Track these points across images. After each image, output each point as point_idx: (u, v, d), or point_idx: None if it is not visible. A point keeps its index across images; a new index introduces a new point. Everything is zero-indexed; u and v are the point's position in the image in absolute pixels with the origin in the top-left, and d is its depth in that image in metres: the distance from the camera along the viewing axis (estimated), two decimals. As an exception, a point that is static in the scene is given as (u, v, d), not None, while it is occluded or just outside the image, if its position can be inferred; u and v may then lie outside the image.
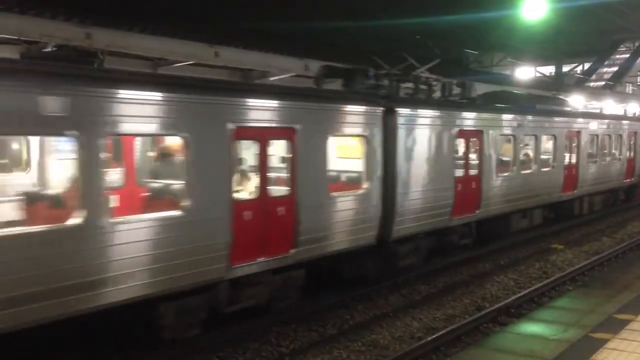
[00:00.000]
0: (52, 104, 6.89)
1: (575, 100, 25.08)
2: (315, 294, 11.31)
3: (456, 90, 15.01)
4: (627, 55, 34.68)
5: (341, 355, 9.26)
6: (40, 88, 6.83)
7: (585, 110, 25.61)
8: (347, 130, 11.20)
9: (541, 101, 19.20)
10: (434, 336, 9.67)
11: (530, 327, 9.50)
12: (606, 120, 22.85)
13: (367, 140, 11.33)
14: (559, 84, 30.25)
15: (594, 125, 21.30)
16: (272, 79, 15.78)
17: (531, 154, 17.64)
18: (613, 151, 23.07)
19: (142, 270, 7.82)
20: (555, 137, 18.35)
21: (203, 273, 8.53)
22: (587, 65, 35.51)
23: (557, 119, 18.70)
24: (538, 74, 36.12)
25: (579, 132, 19.94)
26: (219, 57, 13.59)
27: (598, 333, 8.62)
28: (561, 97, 23.22)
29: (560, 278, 13.60)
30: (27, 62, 7.91)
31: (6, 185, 9.70)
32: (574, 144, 19.74)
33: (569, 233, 19.46)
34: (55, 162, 10.09)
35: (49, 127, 7.05)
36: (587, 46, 31.86)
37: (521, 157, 16.87)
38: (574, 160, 19.66)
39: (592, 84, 35.66)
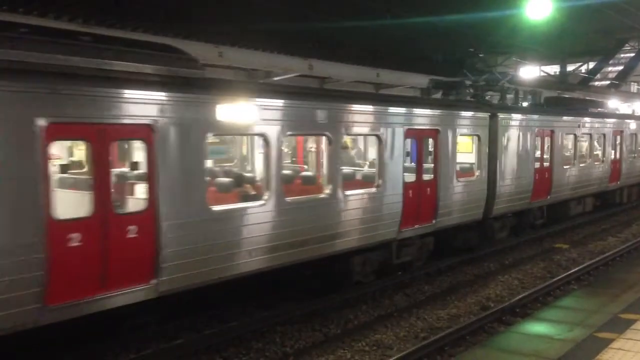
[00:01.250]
0: (320, 114, 10.32)
1: (614, 103, 28.61)
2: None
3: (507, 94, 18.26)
4: (632, 54, 34.57)
5: (345, 355, 9.25)
6: (317, 105, 10.36)
7: (623, 112, 29.40)
8: (467, 130, 14.26)
9: (591, 105, 22.56)
10: (438, 336, 9.65)
11: (535, 327, 9.46)
12: None
13: (479, 138, 14.58)
14: (604, 89, 32.84)
15: (632, 125, 24.41)
16: (275, 78, 15.80)
17: (586, 150, 20.84)
18: None
19: (355, 229, 11.06)
20: (604, 136, 21.61)
21: (384, 234, 11.82)
22: (591, 65, 35.39)
23: (606, 120, 22.00)
24: (543, 74, 36.03)
25: (622, 131, 23.19)
26: (222, 57, 13.62)
27: (603, 333, 8.57)
28: (603, 100, 26.27)
29: (565, 277, 13.55)
30: (326, 90, 13.37)
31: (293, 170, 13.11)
32: (617, 142, 22.91)
33: (573, 233, 19.40)
34: (310, 152, 14.93)
35: (318, 129, 10.47)
36: (591, 45, 31.76)
37: (579, 152, 19.88)
38: (617, 156, 22.88)
39: (597, 83, 35.54)
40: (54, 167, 7.70)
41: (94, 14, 11.87)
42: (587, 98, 25.08)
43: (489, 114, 14.87)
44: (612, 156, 22.31)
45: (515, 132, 15.84)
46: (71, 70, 7.20)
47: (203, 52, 13.26)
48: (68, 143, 10.61)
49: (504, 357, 8.16)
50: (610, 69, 37.08)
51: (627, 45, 33.80)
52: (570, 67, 35.46)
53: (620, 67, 36.03)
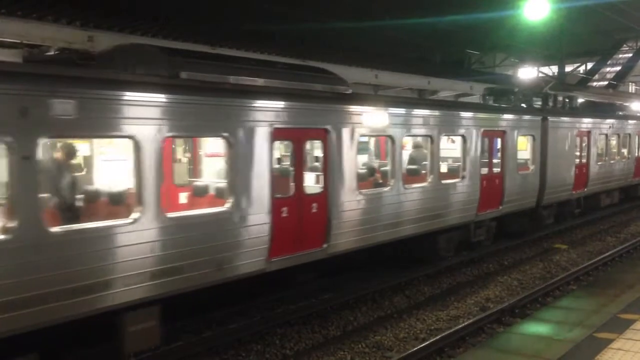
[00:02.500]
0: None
1: (637, 106, 30.64)
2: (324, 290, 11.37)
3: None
4: (630, 55, 34.59)
5: (345, 356, 9.25)
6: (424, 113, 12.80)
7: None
8: (525, 131, 16.67)
9: (618, 108, 25.66)
10: (437, 337, 9.65)
11: (535, 328, 9.46)
12: None
13: (533, 138, 17.08)
14: (630, 93, 35.53)
15: None
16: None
17: (615, 148, 23.18)
18: None
19: (446, 211, 13.51)
20: (629, 135, 24.28)
21: (466, 217, 14.30)
22: (589, 65, 35.40)
23: (631, 121, 24.54)
24: (541, 74, 36.04)
25: None
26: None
27: (602, 333, 8.58)
28: (629, 103, 29.52)
29: (564, 278, 13.56)
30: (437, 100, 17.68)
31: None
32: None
33: (572, 233, 19.42)
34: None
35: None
36: (589, 46, 31.76)
37: (609, 150, 22.56)
38: None
39: (594, 83, 35.57)
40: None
41: (93, 17, 11.85)
42: (616, 102, 28.20)
43: (541, 117, 17.51)
44: (637, 153, 24.99)
45: (560, 132, 18.47)
46: (284, 91, 9.76)
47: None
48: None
49: (504, 357, 8.16)
50: (608, 69, 37.12)
51: (625, 45, 33.82)
52: (568, 68, 35.43)
53: (618, 68, 36.05)
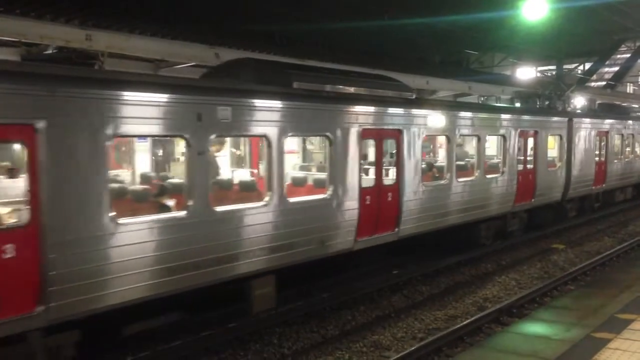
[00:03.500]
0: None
1: None
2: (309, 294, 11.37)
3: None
4: (628, 55, 34.60)
5: (343, 356, 9.26)
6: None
7: None
8: (554, 131, 18.49)
9: (632, 109, 27.82)
10: (435, 337, 9.67)
11: (533, 327, 9.48)
12: None
13: (560, 137, 18.89)
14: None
15: None
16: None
17: (629, 147, 24.98)
18: None
19: (488, 203, 15.22)
20: None
21: (505, 207, 15.99)
22: (587, 65, 35.42)
23: None
24: (539, 74, 36.09)
25: None
26: (219, 59, 13.62)
27: (600, 333, 8.60)
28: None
29: (562, 278, 13.59)
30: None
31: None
32: None
33: (570, 233, 19.44)
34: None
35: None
36: (588, 46, 31.76)
37: (624, 149, 24.31)
38: None
39: (593, 84, 35.60)
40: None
41: (92, 16, 11.83)
42: (632, 104, 30.77)
43: (567, 118, 19.30)
44: None
45: (583, 132, 20.19)
46: (368, 97, 11.53)
47: (199, 54, 13.35)
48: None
49: (502, 357, 8.17)
50: (606, 69, 37.14)
51: (623, 45, 33.83)
52: (566, 68, 35.46)
53: (617, 68, 36.07)
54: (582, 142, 20.08)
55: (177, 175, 10.07)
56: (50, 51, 10.98)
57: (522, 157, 16.74)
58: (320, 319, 10.66)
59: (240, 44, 14.77)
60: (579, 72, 35.11)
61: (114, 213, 7.44)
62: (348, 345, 9.62)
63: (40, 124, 6.71)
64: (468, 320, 10.54)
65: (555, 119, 18.71)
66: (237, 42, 14.74)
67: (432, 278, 13.55)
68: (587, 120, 20.80)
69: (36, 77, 6.84)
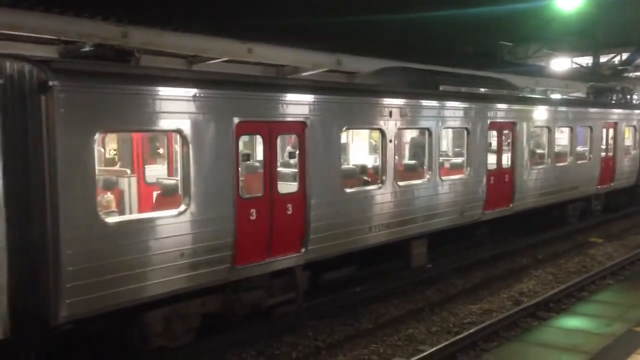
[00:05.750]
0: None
1: None
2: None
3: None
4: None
5: (377, 349, 9.25)
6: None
7: None
8: (630, 122, 20.64)
9: None
10: (470, 331, 9.57)
11: (572, 322, 9.33)
12: None
13: (635, 128, 21.05)
14: None
15: None
16: (304, 74, 15.80)
17: None
18: None
19: (576, 185, 17.26)
20: None
21: (589, 190, 18.22)
22: (625, 56, 34.57)
23: None
24: (574, 65, 35.39)
25: None
26: (251, 54, 13.68)
27: (642, 327, 8.43)
28: None
29: (601, 272, 13.32)
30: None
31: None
32: None
33: (607, 227, 19.05)
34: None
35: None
36: (625, 36, 31.05)
37: None
38: None
39: (630, 74, 34.75)
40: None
41: (127, 14, 11.99)
42: None
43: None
44: None
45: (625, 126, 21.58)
46: (494, 96, 14.17)
47: (232, 49, 13.42)
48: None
49: (542, 351, 8.07)
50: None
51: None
52: (603, 59, 34.69)
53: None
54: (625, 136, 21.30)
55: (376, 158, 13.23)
56: (87, 48, 11.15)
57: (604, 146, 18.87)
58: (353, 313, 10.66)
59: (272, 38, 14.78)
60: (616, 62, 34.30)
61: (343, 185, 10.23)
62: (382, 339, 9.60)
63: (308, 121, 9.45)
64: (504, 315, 10.42)
65: (631, 111, 20.82)
66: (269, 37, 14.76)
67: (467, 272, 13.42)
68: (636, 112, 22.01)
69: (306, 88, 9.86)
